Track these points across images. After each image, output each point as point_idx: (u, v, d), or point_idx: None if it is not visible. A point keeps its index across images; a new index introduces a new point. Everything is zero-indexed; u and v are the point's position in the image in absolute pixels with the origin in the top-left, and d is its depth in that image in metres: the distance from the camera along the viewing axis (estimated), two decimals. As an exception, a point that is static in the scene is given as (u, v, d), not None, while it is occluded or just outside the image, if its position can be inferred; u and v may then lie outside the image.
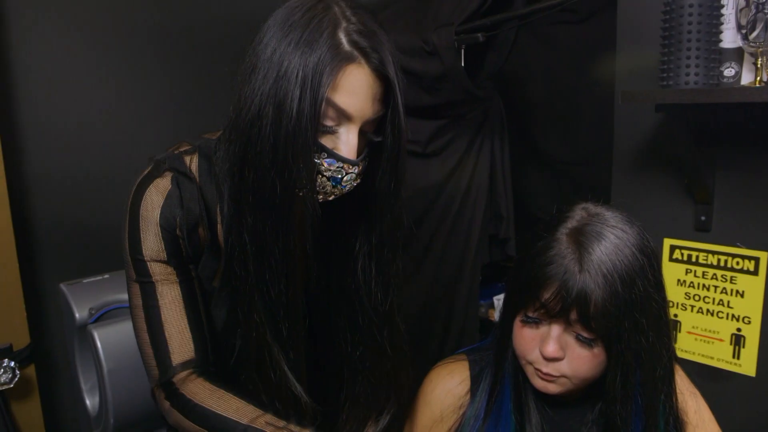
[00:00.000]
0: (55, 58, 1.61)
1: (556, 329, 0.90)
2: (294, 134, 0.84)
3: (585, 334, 0.88)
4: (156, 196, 0.94)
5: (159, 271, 0.95)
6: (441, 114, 1.75)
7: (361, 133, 0.90)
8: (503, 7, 1.66)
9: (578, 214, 0.93)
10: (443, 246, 1.85)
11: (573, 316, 0.87)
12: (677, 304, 1.44)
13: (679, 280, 1.44)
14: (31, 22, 1.58)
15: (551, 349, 0.89)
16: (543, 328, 0.91)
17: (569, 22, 1.83)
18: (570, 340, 0.89)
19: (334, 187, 0.91)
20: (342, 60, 0.85)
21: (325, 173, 0.89)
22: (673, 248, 1.45)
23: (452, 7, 1.60)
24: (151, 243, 0.94)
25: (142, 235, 0.94)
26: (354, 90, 0.86)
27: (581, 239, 0.88)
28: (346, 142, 0.89)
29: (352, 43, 0.86)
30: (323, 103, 0.84)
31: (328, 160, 0.88)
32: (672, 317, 1.45)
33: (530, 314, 0.92)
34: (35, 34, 1.59)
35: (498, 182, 1.89)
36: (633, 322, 0.86)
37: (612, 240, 0.88)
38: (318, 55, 0.84)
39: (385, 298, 1.03)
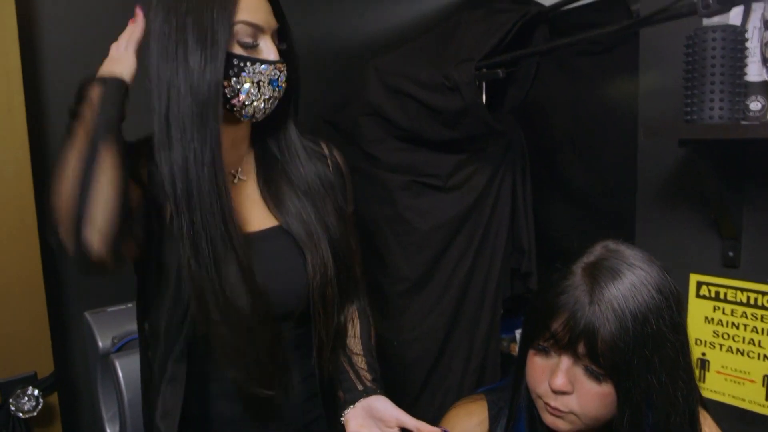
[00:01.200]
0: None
1: (565, 362, 0.88)
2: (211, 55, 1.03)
3: (594, 368, 0.86)
4: None
5: None
6: (462, 148, 1.73)
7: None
8: (524, 42, 1.66)
9: (598, 250, 0.92)
10: (464, 280, 1.81)
11: (581, 348, 0.85)
12: (705, 342, 1.38)
13: (707, 318, 1.38)
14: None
15: (559, 381, 0.87)
16: (553, 360, 0.90)
17: (592, 52, 1.82)
18: (579, 374, 0.87)
19: (274, 90, 1.11)
20: None
21: (264, 80, 1.09)
22: (699, 284, 1.39)
23: (473, 43, 1.59)
24: None
25: None
26: (256, 8, 1.08)
27: (596, 273, 0.87)
28: (268, 48, 1.10)
29: None
30: (235, 26, 1.04)
31: (262, 66, 1.08)
32: (700, 356, 1.39)
33: (542, 344, 0.91)
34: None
35: (519, 215, 1.86)
36: (643, 360, 0.83)
37: (627, 276, 0.86)
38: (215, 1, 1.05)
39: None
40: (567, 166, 2.03)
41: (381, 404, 1.13)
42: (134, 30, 1.11)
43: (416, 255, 1.75)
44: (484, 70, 1.45)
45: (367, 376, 1.20)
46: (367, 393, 1.16)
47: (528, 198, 1.87)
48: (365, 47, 2.13)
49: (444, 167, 1.73)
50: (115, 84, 1.03)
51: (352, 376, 1.20)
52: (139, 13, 1.10)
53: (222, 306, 1.07)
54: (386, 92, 1.69)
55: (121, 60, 1.07)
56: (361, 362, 1.23)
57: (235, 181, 1.21)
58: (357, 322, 1.29)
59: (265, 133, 1.26)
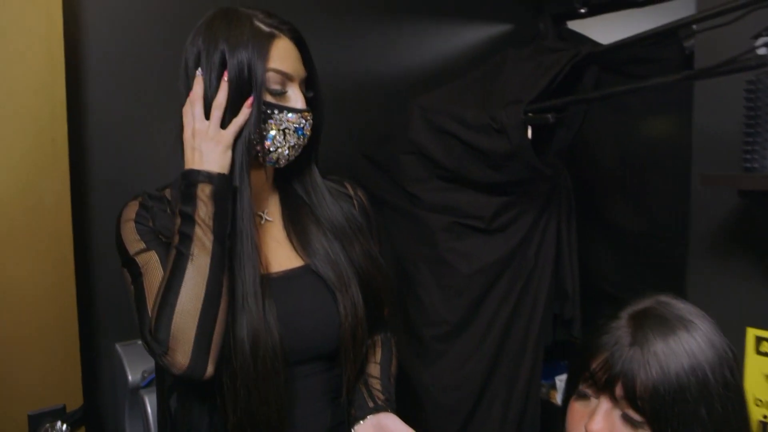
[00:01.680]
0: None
1: (604, 405, 0.85)
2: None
3: (632, 414, 0.83)
4: (129, 208, 1.14)
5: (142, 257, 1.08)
6: (506, 190, 1.71)
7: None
8: (573, 81, 1.63)
9: (648, 300, 0.90)
10: (505, 325, 1.77)
11: (619, 391, 0.83)
12: (766, 402, 1.31)
13: (767, 376, 1.31)
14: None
15: (596, 426, 0.84)
16: (592, 404, 0.88)
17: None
18: (617, 419, 0.84)
19: (299, 137, 1.13)
20: (269, 38, 1.10)
21: (290, 127, 1.11)
22: (759, 340, 1.33)
23: (521, 84, 1.58)
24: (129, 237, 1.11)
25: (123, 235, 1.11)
26: (286, 56, 1.11)
27: (642, 319, 0.86)
28: (296, 96, 1.13)
29: (269, 25, 1.12)
30: (267, 73, 1.08)
31: (290, 114, 1.11)
32: (761, 418, 1.32)
33: (581, 388, 0.89)
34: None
35: (564, 260, 1.83)
36: (687, 412, 0.80)
37: (675, 325, 0.84)
38: (250, 45, 1.08)
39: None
40: (614, 208, 1.97)
41: (391, 421, 1.15)
42: (197, 92, 1.09)
43: (456, 298, 1.73)
44: (531, 114, 1.43)
45: (380, 396, 1.21)
46: (377, 410, 1.17)
47: (573, 242, 1.85)
48: (406, 80, 2.15)
49: (488, 209, 1.70)
50: (224, 181, 1.05)
51: (365, 394, 1.21)
52: (199, 77, 1.10)
53: (253, 343, 1.07)
54: (430, 131, 1.68)
55: (213, 139, 1.07)
56: (376, 384, 1.24)
57: (262, 222, 1.24)
58: (379, 349, 1.30)
59: (289, 175, 1.27)
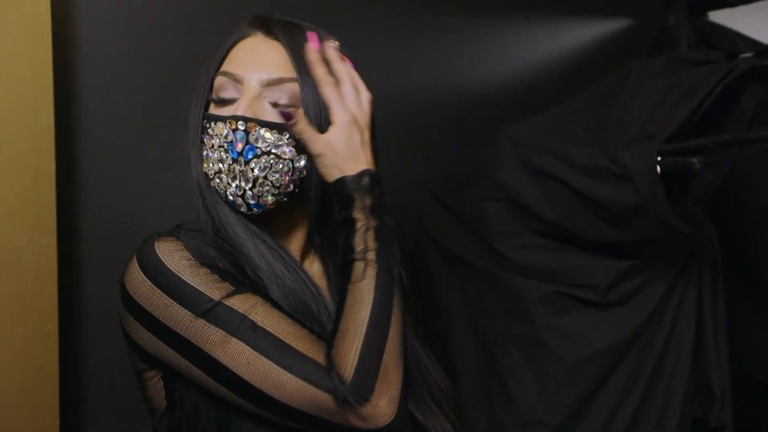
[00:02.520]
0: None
1: None
2: None
3: None
4: (167, 245, 0.97)
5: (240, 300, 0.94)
6: (629, 253, 1.55)
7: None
8: (725, 105, 1.47)
9: None
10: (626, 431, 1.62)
11: None
12: None
13: None
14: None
15: None
16: None
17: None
18: None
19: (234, 160, 1.00)
20: (236, 40, 1.07)
21: (223, 146, 1.00)
22: None
23: (651, 112, 1.41)
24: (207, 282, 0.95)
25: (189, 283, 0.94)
26: (246, 55, 1.05)
27: None
28: (240, 102, 1.02)
29: (246, 26, 1.08)
30: (215, 78, 1.05)
31: (218, 124, 1.02)
32: None
33: None
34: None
35: (708, 346, 1.67)
36: None
37: None
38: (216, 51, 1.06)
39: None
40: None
41: None
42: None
43: (558, 393, 1.60)
44: (667, 158, 1.29)
45: None
46: None
47: (720, 321, 1.70)
48: (490, 98, 1.98)
49: (601, 276, 1.57)
50: (381, 180, 0.99)
51: None
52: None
53: None
54: (525, 172, 1.55)
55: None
56: None
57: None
58: None
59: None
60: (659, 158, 1.31)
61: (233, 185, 1.01)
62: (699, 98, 1.35)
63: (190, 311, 0.93)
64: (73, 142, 1.55)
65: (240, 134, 1.00)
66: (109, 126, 1.58)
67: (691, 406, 1.73)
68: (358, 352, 0.92)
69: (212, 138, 1.01)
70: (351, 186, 0.96)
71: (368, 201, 0.96)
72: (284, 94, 1.03)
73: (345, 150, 0.97)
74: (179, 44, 1.62)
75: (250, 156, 1.00)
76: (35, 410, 1.49)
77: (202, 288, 0.94)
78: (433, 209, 1.80)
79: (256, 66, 1.03)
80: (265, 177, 1.00)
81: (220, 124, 1.00)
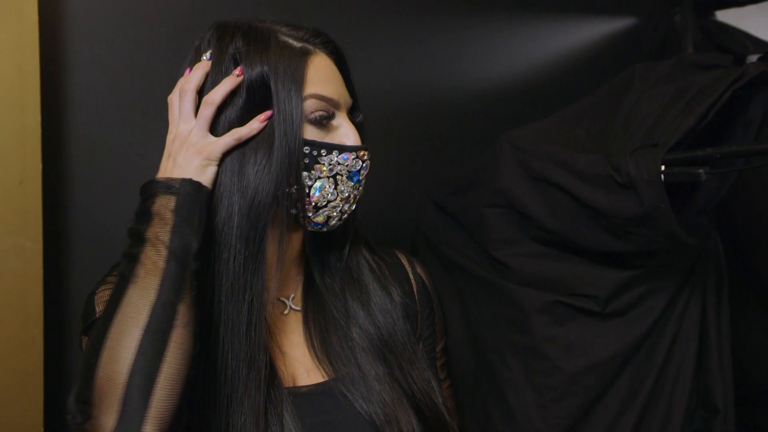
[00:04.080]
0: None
1: None
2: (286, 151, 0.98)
3: None
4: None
5: None
6: (631, 262, 1.51)
7: None
8: (733, 111, 1.42)
9: None
10: (625, 445, 1.52)
11: None
12: None
13: None
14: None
15: None
16: None
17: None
18: None
19: (354, 185, 1.05)
20: (302, 56, 1.02)
21: (342, 172, 1.03)
22: None
23: (656, 118, 1.37)
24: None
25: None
26: (327, 77, 1.03)
27: None
28: (347, 131, 1.04)
29: (299, 39, 1.05)
30: (305, 102, 1.00)
31: (341, 156, 1.02)
32: None
33: None
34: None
35: (711, 358, 1.63)
36: None
37: None
38: (279, 66, 0.99)
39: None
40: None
41: None
42: (192, 80, 1.01)
43: (556, 404, 1.56)
44: (673, 168, 1.24)
45: None
46: None
47: (724, 332, 1.65)
48: (491, 99, 1.93)
49: (603, 285, 1.52)
50: (192, 190, 0.95)
51: None
52: (205, 61, 1.03)
53: None
54: (526, 179, 1.51)
55: (193, 143, 0.98)
56: None
57: (286, 312, 1.14)
58: None
59: (319, 246, 1.16)
60: (664, 168, 1.26)
61: (345, 208, 1.07)
62: (706, 105, 1.31)
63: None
64: (60, 144, 1.51)
65: (367, 164, 1.07)
66: (96, 127, 1.54)
67: (693, 419, 1.69)
68: (82, 361, 0.90)
69: (331, 167, 1.03)
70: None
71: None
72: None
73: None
74: (169, 44, 1.57)
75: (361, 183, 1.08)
76: (19, 416, 1.47)
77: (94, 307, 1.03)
78: (431, 213, 1.77)
79: (341, 88, 1.07)
80: None
81: (347, 155, 1.03)
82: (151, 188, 0.95)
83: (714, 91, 1.34)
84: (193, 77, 1.00)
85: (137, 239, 0.92)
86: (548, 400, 1.57)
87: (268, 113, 0.99)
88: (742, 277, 1.78)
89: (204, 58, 1.03)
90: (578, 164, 1.41)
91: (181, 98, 1.00)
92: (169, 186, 0.93)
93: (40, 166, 1.43)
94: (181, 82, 1.02)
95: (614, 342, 1.57)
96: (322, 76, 1.03)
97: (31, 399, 1.45)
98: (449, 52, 1.92)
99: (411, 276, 1.24)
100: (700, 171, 1.19)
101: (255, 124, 0.98)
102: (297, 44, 1.04)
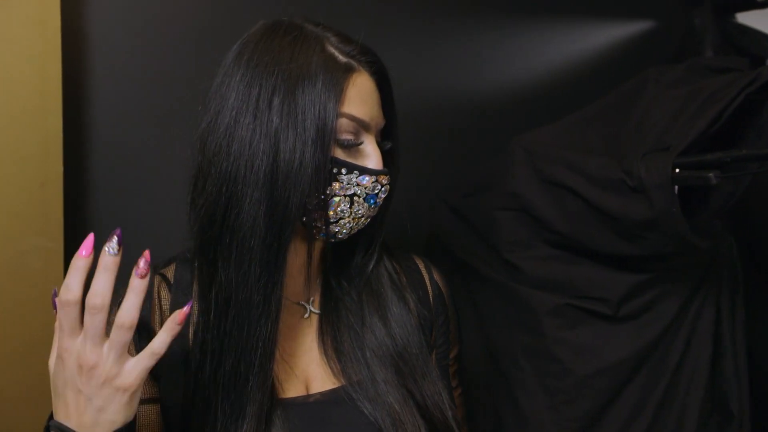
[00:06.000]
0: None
1: None
2: (305, 163, 0.96)
3: None
4: None
5: None
6: (643, 266, 1.48)
7: None
8: (747, 114, 1.39)
9: None
10: (636, 449, 1.50)
11: None
12: None
13: None
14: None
15: None
16: None
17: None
18: None
19: (369, 207, 1.05)
20: (345, 72, 1.00)
21: (360, 193, 1.03)
22: None
23: (668, 122, 1.35)
24: None
25: None
26: (365, 98, 1.03)
27: None
28: (372, 153, 1.04)
29: (346, 54, 1.03)
30: (339, 119, 0.99)
31: (362, 177, 1.02)
32: None
33: None
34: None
35: (726, 363, 1.60)
36: None
37: None
38: (320, 78, 0.97)
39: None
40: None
41: None
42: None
43: (567, 407, 1.53)
44: (683, 171, 1.22)
45: None
46: None
47: (739, 337, 1.62)
48: (506, 102, 1.92)
49: (614, 289, 1.49)
50: None
51: None
52: (89, 244, 0.89)
53: None
54: (538, 183, 1.49)
55: (114, 379, 0.83)
56: None
57: (306, 315, 1.15)
58: None
59: (339, 253, 1.18)
60: (675, 171, 1.24)
61: (354, 225, 1.07)
62: (718, 109, 1.29)
63: None
64: (81, 147, 1.54)
65: (386, 188, 1.08)
66: (118, 130, 1.57)
67: (708, 424, 1.65)
68: None
69: (349, 186, 1.03)
70: None
71: None
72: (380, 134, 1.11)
73: None
74: (190, 48, 1.58)
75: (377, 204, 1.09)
76: (39, 415, 1.47)
77: None
78: (443, 215, 1.76)
79: (375, 110, 1.06)
80: None
81: (367, 177, 1.03)
82: None
83: (726, 94, 1.32)
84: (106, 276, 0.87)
85: None
86: (559, 402, 1.55)
87: (184, 311, 0.89)
88: (758, 281, 1.75)
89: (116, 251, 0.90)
90: (589, 168, 1.40)
91: (70, 307, 0.84)
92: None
93: (61, 168, 1.45)
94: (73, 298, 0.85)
95: (626, 345, 1.54)
96: (359, 96, 1.02)
97: (50, 399, 1.46)
98: (464, 56, 1.92)
99: (428, 282, 1.25)
100: (710, 175, 1.17)
101: (172, 328, 0.88)
102: (342, 59, 1.02)
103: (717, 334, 1.61)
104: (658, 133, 1.37)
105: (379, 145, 1.08)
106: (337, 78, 0.99)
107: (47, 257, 1.43)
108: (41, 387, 1.41)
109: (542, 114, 1.75)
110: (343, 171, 1.01)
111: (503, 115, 1.94)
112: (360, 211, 1.05)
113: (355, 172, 1.02)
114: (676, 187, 1.31)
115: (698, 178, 1.20)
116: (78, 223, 1.53)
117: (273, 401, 1.01)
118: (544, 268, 1.56)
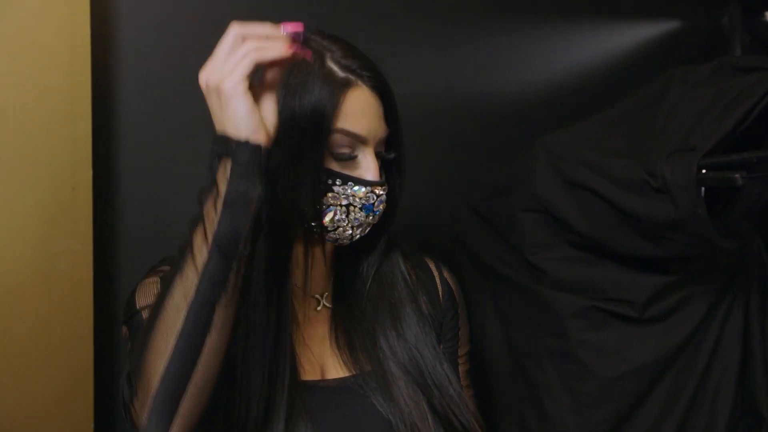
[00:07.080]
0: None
1: None
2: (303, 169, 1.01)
3: None
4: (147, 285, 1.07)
5: None
6: (669, 267, 1.46)
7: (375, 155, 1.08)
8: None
9: None
10: (664, 454, 1.49)
11: None
12: None
13: None
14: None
15: None
16: None
17: None
18: None
19: (367, 216, 1.07)
20: (341, 87, 1.01)
21: (356, 204, 1.05)
22: None
23: (693, 122, 1.33)
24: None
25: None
26: (361, 113, 1.04)
27: None
28: (367, 164, 1.05)
29: (345, 68, 1.04)
30: (332, 134, 1.01)
31: (356, 188, 1.04)
32: None
33: None
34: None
35: (755, 365, 1.57)
36: None
37: None
38: (315, 93, 1.00)
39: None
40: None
41: None
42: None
43: (592, 411, 1.52)
44: (708, 172, 1.20)
45: None
46: None
47: (769, 340, 1.55)
48: (529, 104, 1.91)
49: (640, 290, 1.48)
50: (251, 154, 0.84)
51: None
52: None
53: None
54: (561, 184, 1.48)
55: (238, 97, 0.84)
56: None
57: (319, 308, 1.18)
58: None
59: (352, 252, 1.19)
60: (701, 172, 1.21)
61: (356, 233, 1.10)
62: (745, 109, 1.28)
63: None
64: (110, 152, 1.56)
65: (382, 198, 1.09)
66: (146, 135, 1.59)
67: (738, 427, 1.63)
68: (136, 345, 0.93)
69: (344, 197, 1.05)
70: None
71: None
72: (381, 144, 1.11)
73: None
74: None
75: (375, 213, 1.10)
76: (70, 416, 1.51)
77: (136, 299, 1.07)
78: (466, 217, 1.75)
79: (373, 123, 1.06)
80: None
81: (362, 188, 1.05)
82: (219, 146, 0.86)
83: (754, 94, 1.30)
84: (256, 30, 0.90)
85: (195, 219, 0.88)
86: (584, 405, 1.54)
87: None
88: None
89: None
90: (613, 169, 1.39)
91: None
92: (226, 141, 0.85)
93: (90, 173, 1.47)
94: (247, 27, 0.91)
95: (653, 348, 1.52)
96: (355, 111, 1.04)
97: (81, 398, 1.49)
98: (488, 58, 1.91)
99: (437, 280, 1.27)
100: (736, 176, 1.15)
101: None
102: (341, 74, 1.04)
103: (746, 336, 1.59)
104: (683, 133, 1.35)
105: (383, 154, 1.11)
106: (334, 93, 1.01)
107: (76, 260, 1.45)
108: (73, 388, 1.43)
109: (566, 115, 1.74)
110: (338, 182, 1.04)
111: (527, 117, 1.92)
112: (358, 220, 1.07)
113: (350, 183, 1.04)
114: (703, 188, 1.29)
115: (724, 179, 1.18)
116: (107, 226, 1.55)
117: (294, 381, 1.05)
118: (567, 269, 1.54)
